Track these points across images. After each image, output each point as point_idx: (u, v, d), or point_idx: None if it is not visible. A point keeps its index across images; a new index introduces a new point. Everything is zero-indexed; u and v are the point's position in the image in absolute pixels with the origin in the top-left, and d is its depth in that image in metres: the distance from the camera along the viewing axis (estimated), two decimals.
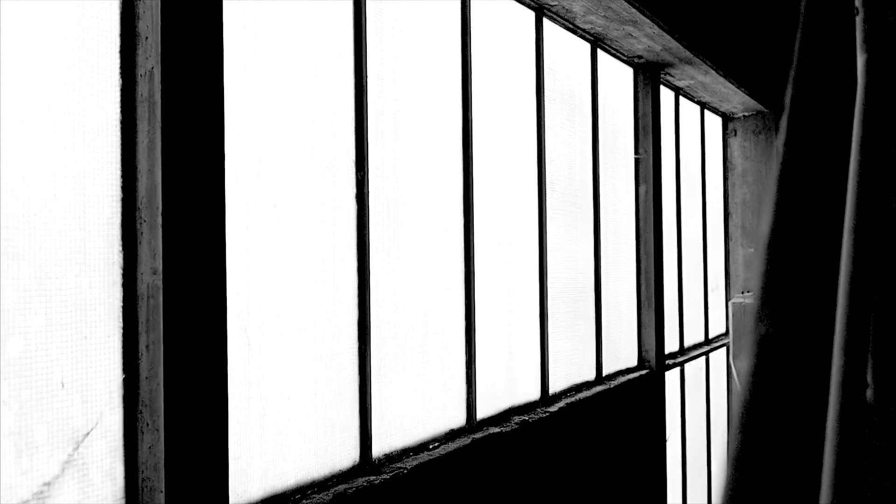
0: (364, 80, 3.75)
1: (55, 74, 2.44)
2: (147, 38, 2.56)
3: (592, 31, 6.21)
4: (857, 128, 1.51)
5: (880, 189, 1.54)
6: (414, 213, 4.16)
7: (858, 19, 1.68)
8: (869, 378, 1.55)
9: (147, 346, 2.56)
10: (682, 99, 8.74)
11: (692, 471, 8.70)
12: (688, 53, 6.94)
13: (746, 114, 10.05)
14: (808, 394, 0.52)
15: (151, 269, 2.55)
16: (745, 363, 0.58)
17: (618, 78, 7.01)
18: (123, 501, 2.56)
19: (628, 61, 7.11)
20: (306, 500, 3.26)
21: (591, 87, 6.42)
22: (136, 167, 2.58)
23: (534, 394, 5.37)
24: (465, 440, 4.35)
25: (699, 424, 8.98)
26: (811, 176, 0.69)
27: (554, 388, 5.64)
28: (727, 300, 10.10)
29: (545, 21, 5.63)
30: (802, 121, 0.76)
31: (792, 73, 0.82)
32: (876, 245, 1.49)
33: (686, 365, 8.57)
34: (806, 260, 0.61)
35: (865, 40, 1.68)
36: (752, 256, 9.91)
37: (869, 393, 1.55)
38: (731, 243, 10.26)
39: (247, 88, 3.13)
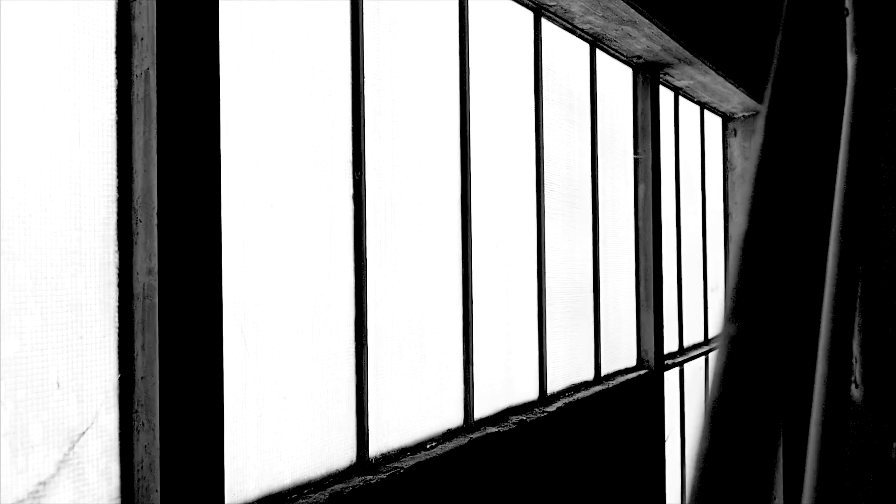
0: (361, 81, 3.75)
1: (51, 75, 2.44)
2: (143, 38, 2.56)
3: (591, 32, 6.21)
4: (847, 128, 1.51)
5: (868, 190, 1.54)
6: (411, 213, 4.16)
7: (848, 20, 1.68)
8: (858, 377, 1.55)
9: (143, 346, 2.56)
10: (681, 99, 8.74)
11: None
12: (687, 54, 6.94)
13: (746, 114, 10.05)
14: (776, 394, 0.53)
15: (147, 269, 2.55)
16: (715, 363, 0.59)
17: (617, 78, 7.01)
18: (119, 501, 2.56)
19: (627, 61, 7.11)
20: (303, 499, 3.27)
21: (589, 88, 6.42)
22: (131, 167, 2.58)
23: (532, 394, 5.37)
24: (463, 440, 4.35)
25: (698, 424, 8.97)
26: (786, 179, 0.69)
27: (552, 387, 5.64)
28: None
29: (543, 21, 5.64)
30: (781, 123, 0.76)
31: (772, 74, 0.82)
32: (863, 246, 1.50)
33: (685, 365, 8.57)
34: (777, 261, 0.62)
35: (856, 41, 1.68)
36: None
37: (857, 392, 1.55)
38: (731, 243, 10.26)
39: (243, 89, 3.14)
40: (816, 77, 0.80)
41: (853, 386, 1.53)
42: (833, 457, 1.16)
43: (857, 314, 1.45)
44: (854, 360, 1.51)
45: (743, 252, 0.64)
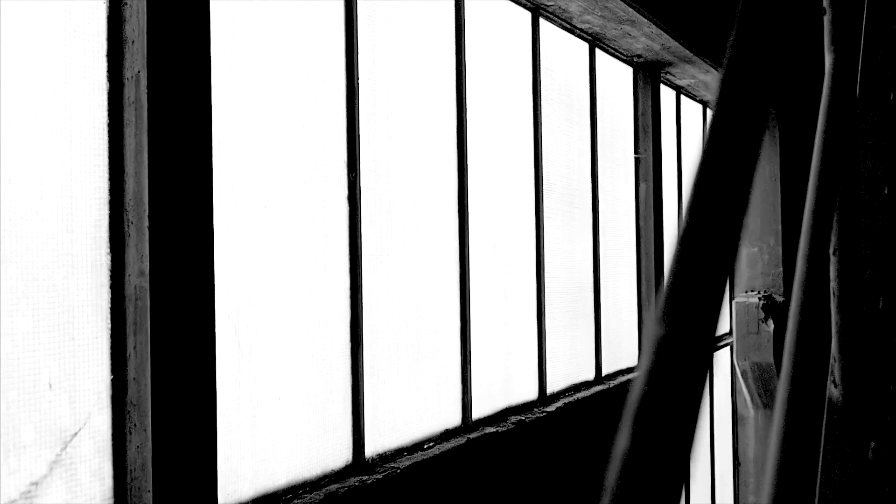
0: (356, 82, 3.76)
1: (42, 78, 2.46)
2: (133, 41, 2.58)
3: (590, 31, 6.21)
4: (822, 127, 1.51)
5: (844, 189, 1.54)
6: (407, 213, 4.17)
7: (826, 19, 1.68)
8: (836, 377, 1.55)
9: (135, 347, 2.58)
10: (683, 98, 8.73)
11: (693, 470, 8.69)
12: (688, 52, 6.92)
13: None
14: (695, 399, 0.54)
15: (139, 271, 2.57)
16: (643, 363, 0.59)
17: (617, 77, 7.00)
18: (112, 501, 2.58)
19: (627, 61, 7.10)
20: (298, 499, 3.28)
21: (589, 87, 6.42)
22: (123, 170, 2.60)
23: (531, 394, 5.37)
24: (460, 440, 4.36)
25: (701, 424, 8.95)
26: (729, 180, 0.70)
27: (552, 387, 5.64)
28: (731, 299, 10.07)
29: (542, 21, 5.63)
30: (727, 123, 0.77)
31: (722, 70, 0.83)
32: (838, 245, 1.49)
33: None
34: (711, 265, 0.62)
35: (833, 40, 1.68)
36: (756, 255, 9.89)
37: (836, 392, 1.55)
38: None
39: (236, 91, 3.15)
40: (768, 74, 0.80)
41: (832, 385, 1.53)
42: (809, 455, 1.17)
43: (835, 315, 1.45)
44: (833, 360, 1.51)
45: (679, 253, 0.64)
